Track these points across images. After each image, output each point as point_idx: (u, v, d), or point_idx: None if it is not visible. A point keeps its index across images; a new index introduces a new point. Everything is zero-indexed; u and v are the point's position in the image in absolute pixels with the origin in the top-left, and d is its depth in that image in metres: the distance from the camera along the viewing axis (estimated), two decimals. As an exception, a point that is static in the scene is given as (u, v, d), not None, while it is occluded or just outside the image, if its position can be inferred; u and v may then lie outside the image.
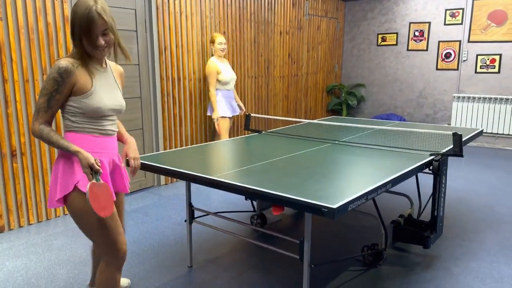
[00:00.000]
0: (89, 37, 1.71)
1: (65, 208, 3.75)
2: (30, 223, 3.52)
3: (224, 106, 4.54)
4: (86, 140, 1.81)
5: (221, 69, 4.48)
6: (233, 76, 4.60)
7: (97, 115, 1.82)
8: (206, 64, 4.43)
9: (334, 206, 1.71)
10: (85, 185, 1.75)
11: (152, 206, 4.01)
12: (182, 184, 4.76)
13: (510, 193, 4.33)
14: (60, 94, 1.72)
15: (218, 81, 4.48)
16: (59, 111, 1.82)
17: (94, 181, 1.69)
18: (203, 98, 5.02)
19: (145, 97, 4.42)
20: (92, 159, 1.70)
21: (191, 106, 4.87)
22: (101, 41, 1.74)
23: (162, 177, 4.70)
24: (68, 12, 3.57)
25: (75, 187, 1.76)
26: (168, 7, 4.45)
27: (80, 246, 3.12)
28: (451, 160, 5.69)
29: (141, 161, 2.49)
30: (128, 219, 3.65)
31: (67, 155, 1.79)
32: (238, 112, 4.70)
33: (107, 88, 1.86)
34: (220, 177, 2.13)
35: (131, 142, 2.02)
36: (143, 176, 4.52)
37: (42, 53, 3.44)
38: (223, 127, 4.52)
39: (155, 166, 2.39)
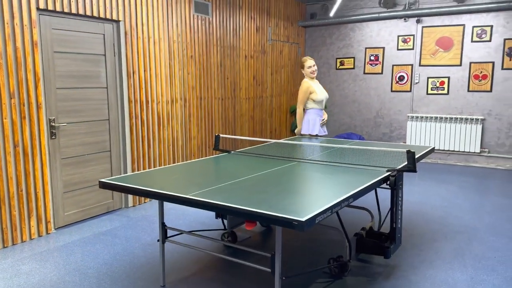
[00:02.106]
0: None
1: (31, 231, 3.70)
2: (-5, 249, 3.45)
3: (315, 125, 4.65)
4: None
5: (315, 89, 4.63)
6: (326, 95, 4.73)
7: None
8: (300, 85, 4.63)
9: (303, 219, 1.86)
10: None
11: (121, 228, 4.02)
12: (150, 205, 4.78)
13: (461, 205, 4.66)
14: None
15: (313, 100, 4.62)
16: None
17: None
18: (171, 120, 5.11)
19: (113, 119, 4.46)
20: None
21: (159, 128, 4.95)
22: None
23: (130, 199, 4.71)
24: (37, 37, 3.62)
25: None
26: (137, 32, 4.56)
27: (49, 270, 3.09)
28: (408, 176, 6.03)
29: (112, 182, 2.55)
30: (95, 242, 3.65)
31: None
32: (326, 132, 4.76)
33: None
34: (194, 195, 2.24)
35: None
36: (110, 198, 4.51)
37: (11, 77, 3.45)
38: None
39: (128, 186, 2.46)
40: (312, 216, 1.92)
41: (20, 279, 2.94)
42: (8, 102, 3.45)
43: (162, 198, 2.31)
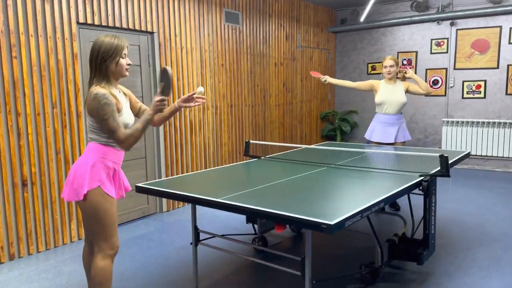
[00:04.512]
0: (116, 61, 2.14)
1: (72, 234, 3.88)
2: (39, 250, 3.64)
3: (372, 131, 4.51)
4: (111, 151, 2.20)
5: (381, 89, 4.38)
6: (390, 100, 4.35)
7: None
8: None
9: (332, 222, 1.88)
10: (107, 188, 2.15)
11: (155, 232, 4.14)
12: (183, 210, 4.90)
13: (498, 212, 4.51)
14: (116, 112, 2.11)
15: (375, 102, 4.49)
16: (88, 126, 2.20)
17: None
18: (203, 127, 5.23)
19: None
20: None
21: (191, 134, 5.08)
22: (128, 62, 2.21)
23: (164, 204, 4.84)
24: (77, 50, 3.82)
25: (99, 186, 2.13)
26: (170, 43, 4.72)
27: (89, 271, 3.23)
28: (443, 183, 5.88)
29: (147, 186, 2.65)
30: (131, 245, 3.78)
31: (96, 157, 2.14)
32: (394, 139, 4.40)
33: (127, 107, 2.27)
34: (225, 199, 2.30)
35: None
36: (145, 203, 4.66)
37: (53, 88, 3.65)
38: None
39: (162, 191, 2.55)
40: (341, 220, 1.93)
41: (62, 279, 3.09)
42: (50, 112, 3.65)
43: (195, 201, 2.39)
